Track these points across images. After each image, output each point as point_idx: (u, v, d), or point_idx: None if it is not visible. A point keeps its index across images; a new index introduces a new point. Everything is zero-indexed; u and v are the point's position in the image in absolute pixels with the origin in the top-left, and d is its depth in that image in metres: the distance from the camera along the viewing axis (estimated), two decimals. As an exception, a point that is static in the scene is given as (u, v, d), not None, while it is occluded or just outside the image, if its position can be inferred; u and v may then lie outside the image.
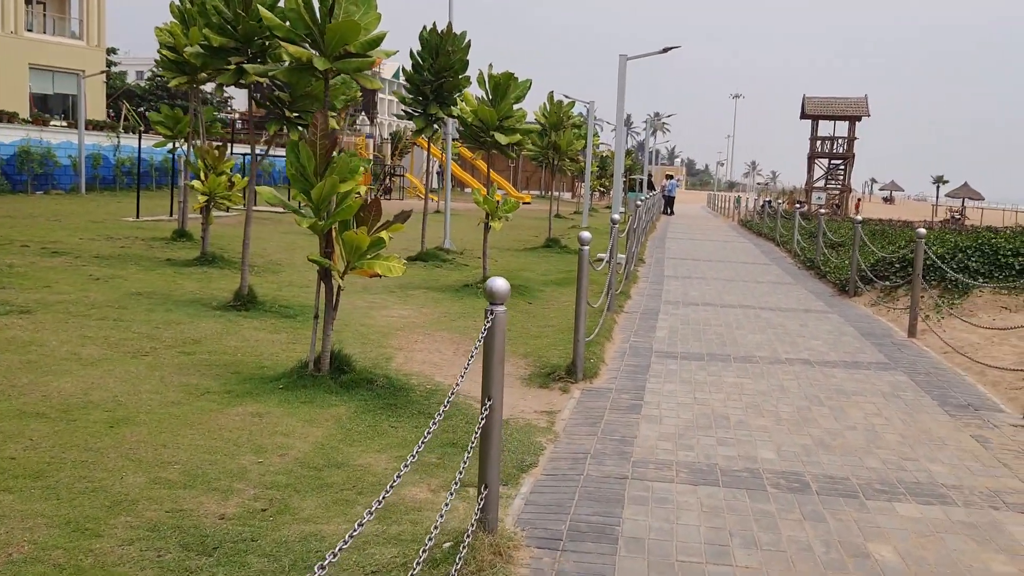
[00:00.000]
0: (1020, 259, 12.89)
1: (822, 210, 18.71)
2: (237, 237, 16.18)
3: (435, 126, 15.83)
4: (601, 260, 18.10)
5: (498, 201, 12.74)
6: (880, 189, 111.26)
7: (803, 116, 48.43)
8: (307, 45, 7.36)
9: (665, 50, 18.92)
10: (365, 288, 12.52)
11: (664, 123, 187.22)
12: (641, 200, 23.59)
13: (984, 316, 11.75)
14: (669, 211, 44.98)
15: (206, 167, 13.90)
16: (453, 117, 12.99)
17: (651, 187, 47.69)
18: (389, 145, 51.86)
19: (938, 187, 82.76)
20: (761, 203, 40.37)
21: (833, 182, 48.95)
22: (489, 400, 4.02)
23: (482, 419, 4.02)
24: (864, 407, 7.37)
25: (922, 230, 10.74)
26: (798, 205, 28.04)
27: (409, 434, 6.05)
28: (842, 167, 48.74)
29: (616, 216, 11.30)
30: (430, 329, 9.98)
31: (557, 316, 11.29)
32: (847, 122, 47.56)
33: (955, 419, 7.11)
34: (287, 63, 7.63)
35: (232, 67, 9.61)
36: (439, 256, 16.66)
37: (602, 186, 50.16)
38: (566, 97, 23.72)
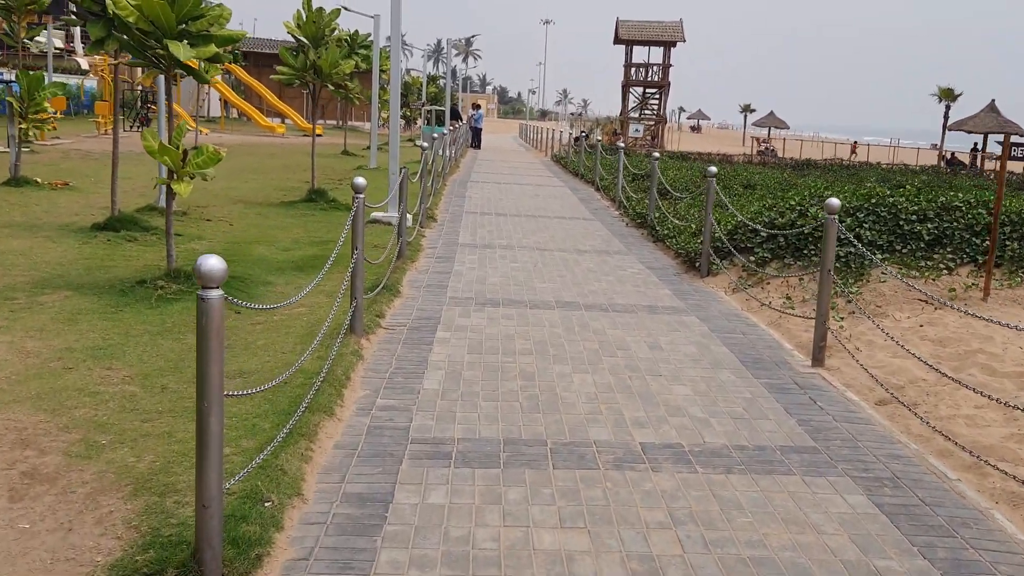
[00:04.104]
0: (928, 226, 9.49)
1: (655, 153, 14.95)
2: None
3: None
4: (377, 222, 13.68)
5: (185, 150, 8.01)
6: (688, 118, 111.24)
7: (617, 41, 45.18)
8: None
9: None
10: (-42, 296, 7.64)
11: (475, 49, 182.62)
12: (434, 136, 19.24)
13: (899, 316, 8.24)
14: (476, 145, 40.75)
15: None
16: (94, 14, 7.98)
17: (457, 117, 43.24)
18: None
19: (745, 116, 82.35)
20: (575, 135, 36.50)
21: (647, 111, 46.11)
22: None
23: None
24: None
25: (835, 200, 6.86)
26: (617, 138, 24.53)
27: None
28: (657, 96, 45.98)
29: (360, 180, 6.90)
30: (6, 397, 5.35)
31: (279, 341, 6.84)
32: (662, 48, 44.66)
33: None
34: None
35: None
36: (141, 223, 11.69)
37: (403, 116, 45.30)
38: (343, 7, 18.83)
